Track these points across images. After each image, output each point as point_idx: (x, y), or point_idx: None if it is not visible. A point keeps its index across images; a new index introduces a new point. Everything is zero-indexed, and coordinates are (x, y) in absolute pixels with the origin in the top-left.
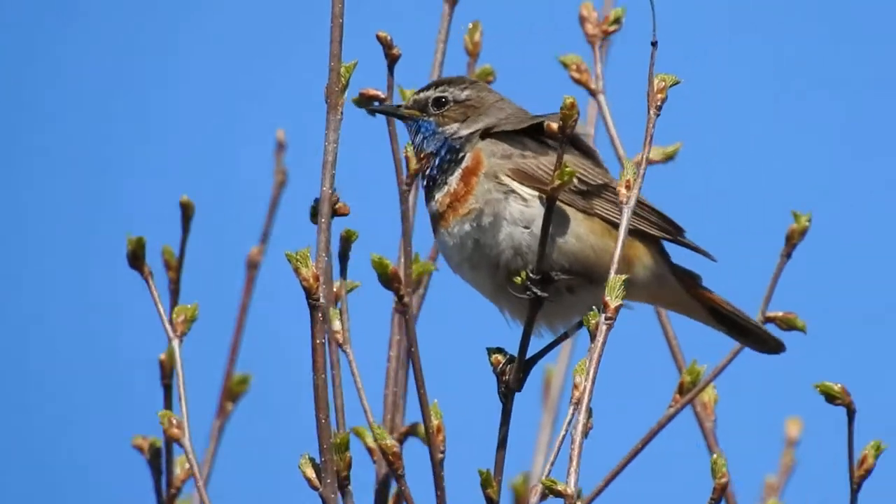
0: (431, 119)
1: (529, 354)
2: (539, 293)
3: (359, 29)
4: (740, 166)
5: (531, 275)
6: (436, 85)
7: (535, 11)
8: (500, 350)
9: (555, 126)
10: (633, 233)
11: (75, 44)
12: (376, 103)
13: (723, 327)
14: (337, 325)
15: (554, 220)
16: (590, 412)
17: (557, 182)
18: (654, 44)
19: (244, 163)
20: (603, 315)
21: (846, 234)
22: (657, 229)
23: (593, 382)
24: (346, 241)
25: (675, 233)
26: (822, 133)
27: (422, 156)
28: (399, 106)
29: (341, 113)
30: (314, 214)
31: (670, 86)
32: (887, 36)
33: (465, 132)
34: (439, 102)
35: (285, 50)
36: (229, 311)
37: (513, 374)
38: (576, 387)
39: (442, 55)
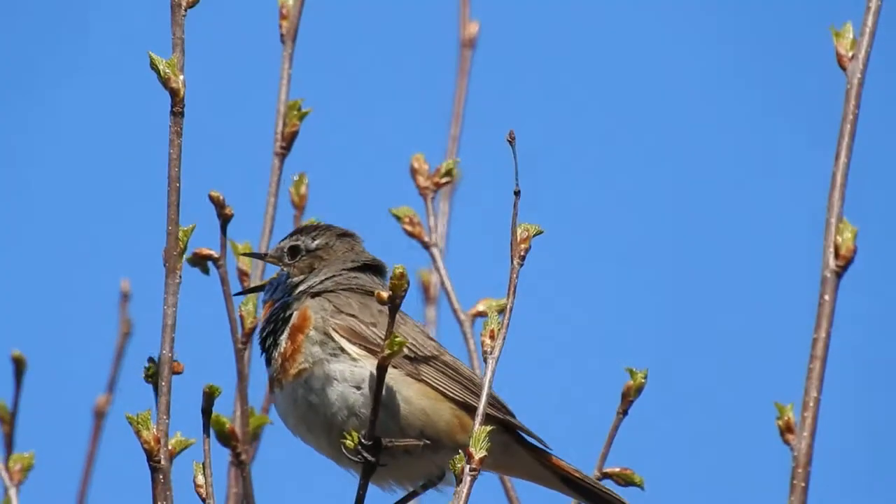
0: (286, 269)
1: None
2: (369, 458)
3: (192, 183)
4: (578, 318)
5: (363, 440)
6: (292, 234)
7: (369, 163)
8: None
9: (384, 295)
10: (468, 407)
11: None
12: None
13: (575, 494)
14: (200, 479)
15: (390, 383)
16: None
17: (388, 351)
18: (517, 192)
19: (89, 313)
20: (468, 465)
21: (682, 389)
22: (491, 407)
23: None
24: (210, 395)
25: (504, 412)
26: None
27: (272, 302)
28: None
29: (180, 276)
30: (149, 375)
31: (534, 235)
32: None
33: (303, 286)
34: (293, 251)
35: (126, 198)
36: (77, 462)
37: None
38: None
39: (273, 209)
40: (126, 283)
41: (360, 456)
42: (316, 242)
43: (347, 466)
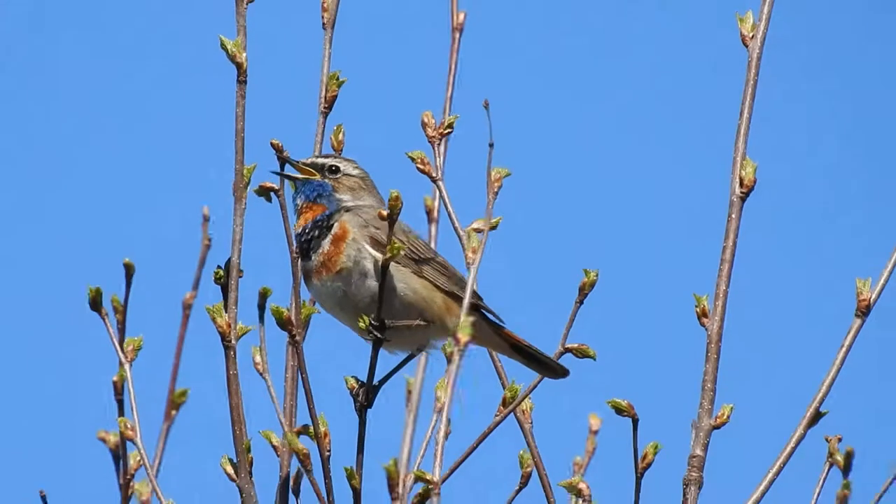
0: (329, 182)
1: (378, 378)
2: (378, 335)
3: (258, 136)
4: (548, 232)
5: (373, 321)
6: (333, 156)
7: (390, 120)
8: (354, 377)
9: (384, 213)
10: (451, 294)
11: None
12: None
13: (522, 359)
14: (258, 358)
15: (398, 277)
16: (448, 420)
17: (389, 254)
18: (491, 145)
19: (188, 230)
20: (456, 347)
21: (627, 286)
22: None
23: (451, 396)
24: (263, 295)
25: (476, 299)
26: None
27: (311, 209)
28: (298, 161)
29: (245, 203)
30: (217, 278)
31: (503, 177)
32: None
33: (351, 204)
34: (333, 170)
35: (207, 147)
36: (172, 343)
37: (364, 396)
38: (438, 399)
39: (319, 152)
40: (206, 209)
41: (371, 334)
42: (356, 172)
43: (367, 339)
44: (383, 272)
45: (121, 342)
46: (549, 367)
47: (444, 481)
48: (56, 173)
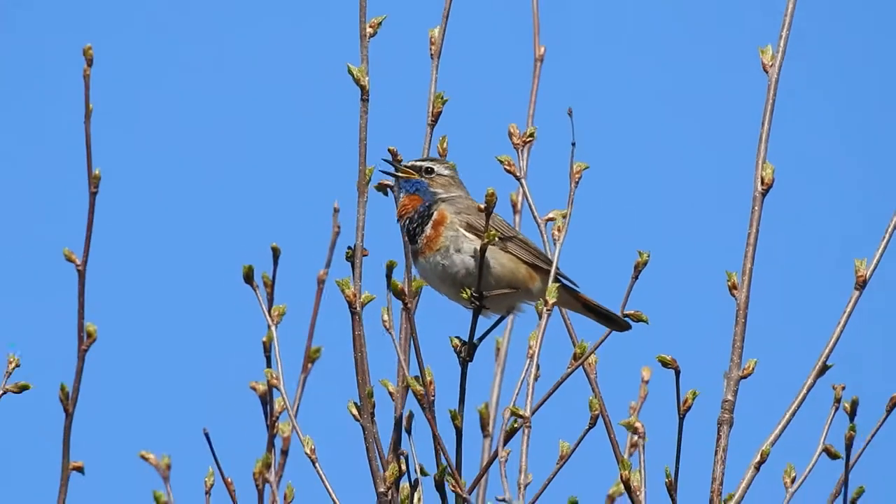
0: (425, 180)
1: (476, 337)
2: (478, 304)
3: (376, 144)
4: (610, 220)
5: (473, 293)
6: (428, 159)
7: (485, 128)
8: (458, 337)
9: (481, 206)
10: (532, 265)
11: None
12: (391, 169)
13: (593, 316)
14: (385, 317)
15: (489, 254)
16: (538, 365)
17: (486, 240)
18: (573, 144)
19: (319, 219)
20: (545, 306)
21: (672, 266)
22: (544, 264)
23: (540, 346)
24: (390, 267)
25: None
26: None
27: (411, 201)
28: (403, 164)
29: (366, 197)
30: (348, 256)
31: (583, 169)
32: None
33: (445, 195)
34: (428, 171)
35: (336, 154)
36: (309, 311)
37: (465, 352)
38: (530, 347)
39: (427, 156)
40: (336, 203)
41: (473, 303)
42: (447, 172)
43: (465, 306)
44: (482, 255)
45: (269, 309)
46: (615, 322)
47: (532, 414)
48: (225, 178)
